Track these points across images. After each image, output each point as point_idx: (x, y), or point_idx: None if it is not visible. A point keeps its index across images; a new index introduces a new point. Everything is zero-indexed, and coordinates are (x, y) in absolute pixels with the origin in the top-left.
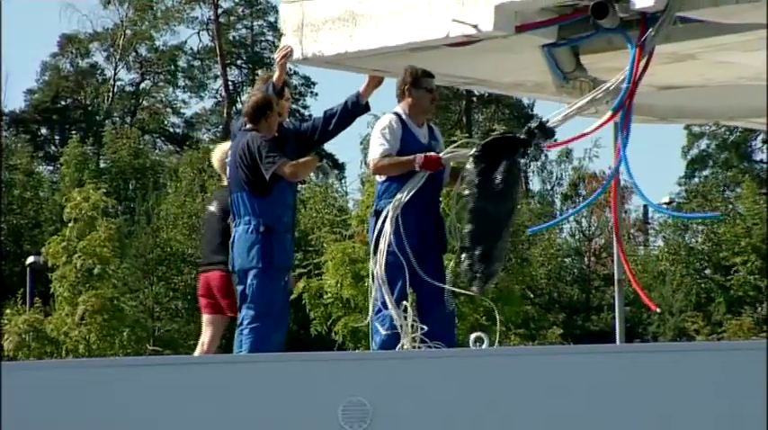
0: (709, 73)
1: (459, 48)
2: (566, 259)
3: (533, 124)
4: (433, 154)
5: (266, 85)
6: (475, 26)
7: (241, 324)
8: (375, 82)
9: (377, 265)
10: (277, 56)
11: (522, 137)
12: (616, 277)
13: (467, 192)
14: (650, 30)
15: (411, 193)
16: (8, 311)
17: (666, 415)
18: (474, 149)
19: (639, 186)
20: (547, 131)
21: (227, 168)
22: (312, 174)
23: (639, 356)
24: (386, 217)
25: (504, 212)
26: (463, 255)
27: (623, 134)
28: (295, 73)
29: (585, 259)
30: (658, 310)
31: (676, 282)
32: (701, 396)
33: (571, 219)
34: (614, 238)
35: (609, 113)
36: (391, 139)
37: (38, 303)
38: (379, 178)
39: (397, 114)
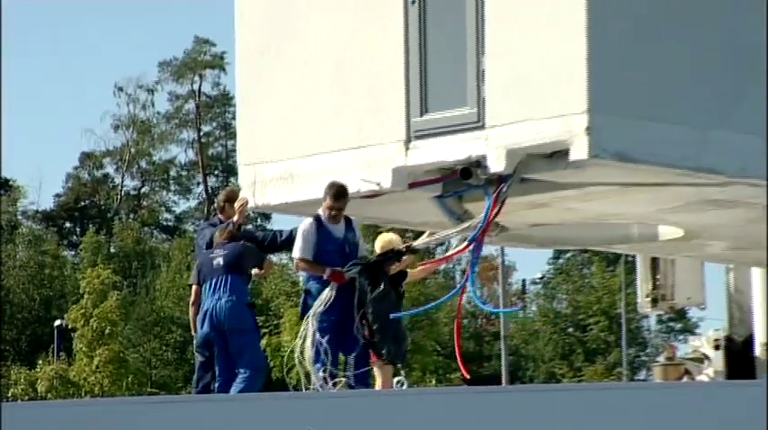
0: (561, 215)
1: (371, 199)
2: (464, 320)
3: (403, 247)
4: (338, 269)
5: (229, 221)
6: (378, 184)
7: (237, 373)
8: None
9: (306, 336)
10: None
11: (393, 256)
12: (502, 334)
13: (364, 300)
14: (503, 185)
15: (328, 304)
16: (40, 362)
17: None
18: (359, 268)
19: (476, 298)
20: (413, 251)
21: (221, 256)
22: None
23: (519, 394)
24: (310, 307)
25: (392, 307)
26: (382, 345)
27: (474, 257)
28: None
29: (479, 320)
30: (468, 377)
31: (546, 338)
32: (565, 425)
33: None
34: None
35: (465, 244)
36: (308, 243)
37: (63, 356)
38: None
39: (315, 217)
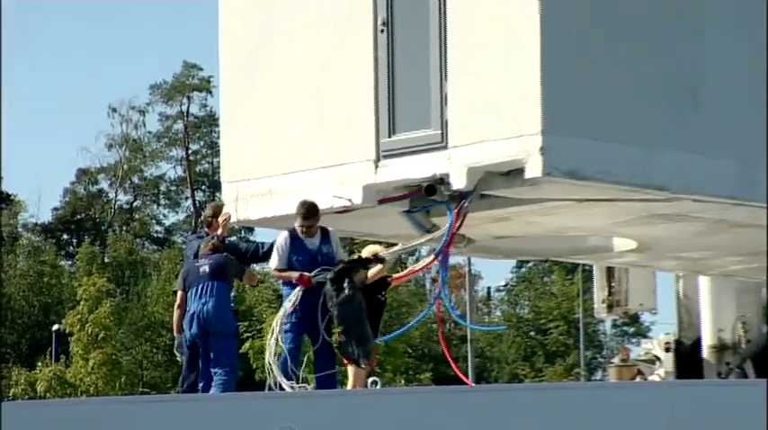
0: (524, 229)
1: (344, 214)
2: (433, 325)
3: (370, 256)
4: (306, 274)
5: (214, 234)
6: (349, 200)
7: (215, 372)
8: None
9: (276, 335)
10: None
11: (359, 263)
12: (469, 337)
13: (329, 304)
14: (464, 201)
15: (295, 302)
16: (39, 364)
17: None
18: (330, 275)
19: (453, 312)
20: (380, 260)
21: (206, 265)
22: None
23: (485, 394)
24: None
25: (356, 310)
26: (347, 346)
27: (443, 269)
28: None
29: (447, 325)
30: (473, 385)
31: (510, 341)
32: (528, 423)
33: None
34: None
35: (432, 256)
36: (282, 254)
37: (61, 358)
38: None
39: (290, 230)
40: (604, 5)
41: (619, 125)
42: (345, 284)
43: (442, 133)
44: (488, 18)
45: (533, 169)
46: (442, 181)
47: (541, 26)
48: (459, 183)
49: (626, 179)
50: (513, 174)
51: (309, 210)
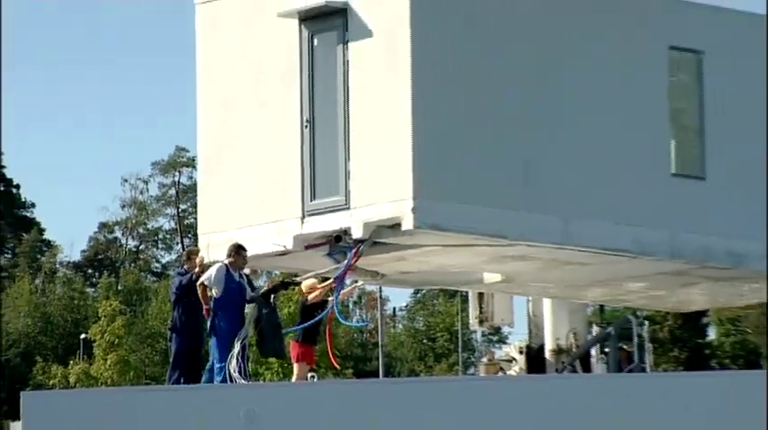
0: (418, 266)
1: (282, 256)
2: (354, 334)
3: (288, 280)
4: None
5: (192, 271)
6: (284, 246)
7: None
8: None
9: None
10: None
11: (280, 286)
12: (380, 343)
13: (257, 312)
14: (360, 245)
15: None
16: (71, 363)
17: (409, 419)
18: (260, 292)
19: (339, 316)
20: (295, 284)
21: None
22: None
23: (391, 384)
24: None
25: (277, 318)
26: (270, 344)
27: (337, 291)
28: None
29: (364, 334)
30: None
31: (409, 346)
32: (431, 412)
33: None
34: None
35: (332, 279)
36: (219, 279)
37: (86, 358)
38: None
39: (225, 264)
40: (462, 109)
41: (471, 192)
42: (271, 300)
43: (346, 198)
44: (377, 118)
45: (407, 223)
46: (346, 232)
47: (413, 126)
48: (358, 233)
49: (476, 230)
50: (396, 227)
51: (242, 247)
